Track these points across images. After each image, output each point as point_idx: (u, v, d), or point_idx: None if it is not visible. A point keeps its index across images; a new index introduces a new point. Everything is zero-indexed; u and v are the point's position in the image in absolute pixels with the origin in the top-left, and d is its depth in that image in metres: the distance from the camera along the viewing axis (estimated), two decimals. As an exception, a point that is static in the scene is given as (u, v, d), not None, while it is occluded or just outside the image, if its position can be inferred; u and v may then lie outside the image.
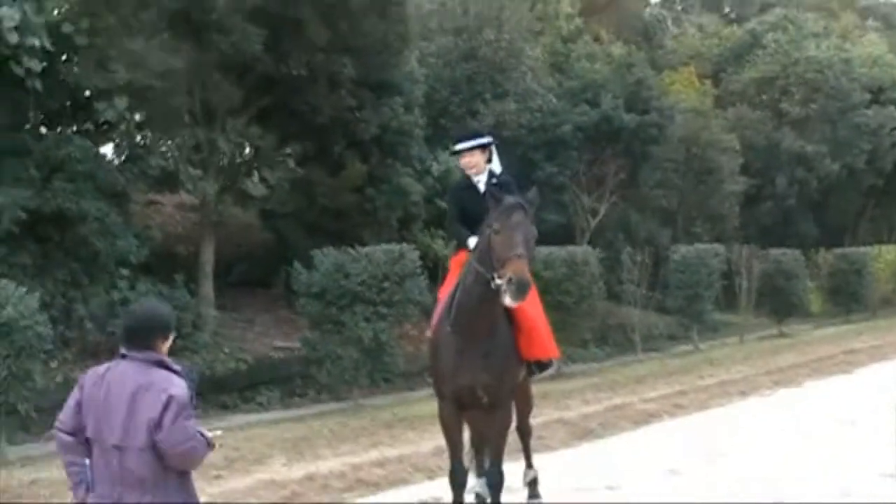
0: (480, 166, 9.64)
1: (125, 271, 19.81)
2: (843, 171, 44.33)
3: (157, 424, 5.60)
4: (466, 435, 9.95)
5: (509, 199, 8.43)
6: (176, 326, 6.26)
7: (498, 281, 8.09)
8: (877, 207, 51.95)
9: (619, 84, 32.66)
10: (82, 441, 5.88)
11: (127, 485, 5.68)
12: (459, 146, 9.72)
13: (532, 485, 10.28)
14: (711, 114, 39.36)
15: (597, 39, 39.83)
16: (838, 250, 41.88)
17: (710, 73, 46.66)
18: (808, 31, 48.45)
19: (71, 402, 5.93)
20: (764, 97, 46.90)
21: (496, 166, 9.83)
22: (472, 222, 9.24)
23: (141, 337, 5.86)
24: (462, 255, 9.37)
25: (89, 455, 5.86)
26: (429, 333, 9.65)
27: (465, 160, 9.69)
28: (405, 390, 21.78)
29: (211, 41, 20.00)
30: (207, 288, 22.12)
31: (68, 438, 5.91)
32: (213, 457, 13.65)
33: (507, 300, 8.07)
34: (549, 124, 30.83)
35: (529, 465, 10.37)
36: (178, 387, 5.73)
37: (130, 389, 5.68)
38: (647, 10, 49.76)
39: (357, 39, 22.32)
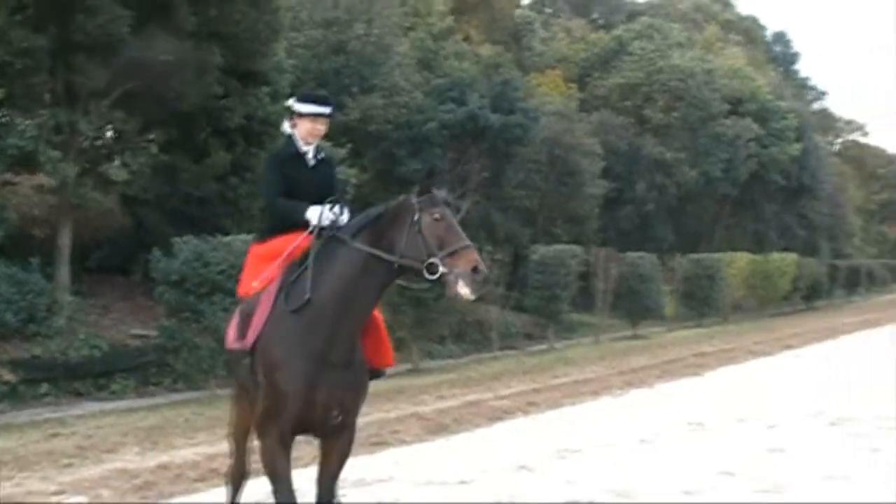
0: (320, 136, 8.31)
1: (-22, 252, 19.39)
2: (700, 178, 45.59)
3: None
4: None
5: (440, 193, 7.24)
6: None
7: (452, 271, 6.91)
8: (732, 216, 53.56)
9: (485, 84, 33.03)
10: None
11: None
12: (312, 109, 8.12)
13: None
14: (576, 117, 40.08)
15: (466, 39, 40.22)
16: (693, 256, 43.04)
17: (576, 77, 47.58)
18: (674, 40, 49.64)
19: None
20: (628, 103, 47.94)
21: None
22: (296, 197, 7.83)
23: None
24: (277, 244, 7.73)
25: None
26: (236, 346, 7.45)
27: (311, 126, 8.12)
28: (261, 381, 21.66)
29: (77, 21, 19.67)
30: (64, 273, 21.75)
31: None
32: (63, 444, 13.55)
33: (466, 292, 6.86)
34: (415, 121, 31.03)
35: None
36: None
37: None
38: (517, 11, 50.22)
39: (226, 27, 22.20)
